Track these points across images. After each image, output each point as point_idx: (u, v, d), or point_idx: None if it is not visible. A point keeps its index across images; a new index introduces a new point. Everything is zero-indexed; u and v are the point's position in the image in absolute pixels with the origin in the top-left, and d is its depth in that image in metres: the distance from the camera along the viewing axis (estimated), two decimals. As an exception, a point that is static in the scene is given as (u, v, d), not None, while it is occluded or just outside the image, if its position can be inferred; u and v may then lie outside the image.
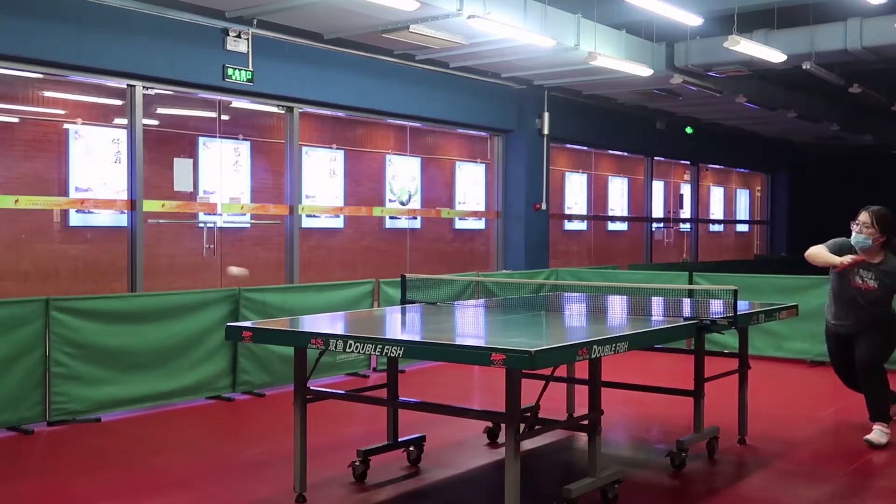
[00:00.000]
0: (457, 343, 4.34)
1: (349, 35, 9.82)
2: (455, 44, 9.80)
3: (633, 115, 15.34)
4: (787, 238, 22.11)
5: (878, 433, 5.78)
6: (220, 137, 9.63)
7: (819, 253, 5.98)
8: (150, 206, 8.71)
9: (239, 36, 8.99)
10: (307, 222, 10.70)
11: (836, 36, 10.98)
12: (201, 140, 9.54)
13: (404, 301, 5.78)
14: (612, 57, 10.75)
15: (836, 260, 5.84)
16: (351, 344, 4.07)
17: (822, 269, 6.26)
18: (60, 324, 6.27)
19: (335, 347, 4.16)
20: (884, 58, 11.53)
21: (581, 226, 15.73)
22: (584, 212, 15.53)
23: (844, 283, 5.94)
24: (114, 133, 8.71)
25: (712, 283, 9.08)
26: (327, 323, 5.22)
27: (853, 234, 5.91)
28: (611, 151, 16.33)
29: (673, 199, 18.16)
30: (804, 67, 11.43)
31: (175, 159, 9.10)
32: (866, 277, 5.86)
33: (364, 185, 11.70)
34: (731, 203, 20.96)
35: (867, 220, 5.83)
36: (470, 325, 5.24)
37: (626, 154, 16.70)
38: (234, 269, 6.83)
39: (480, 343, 4.44)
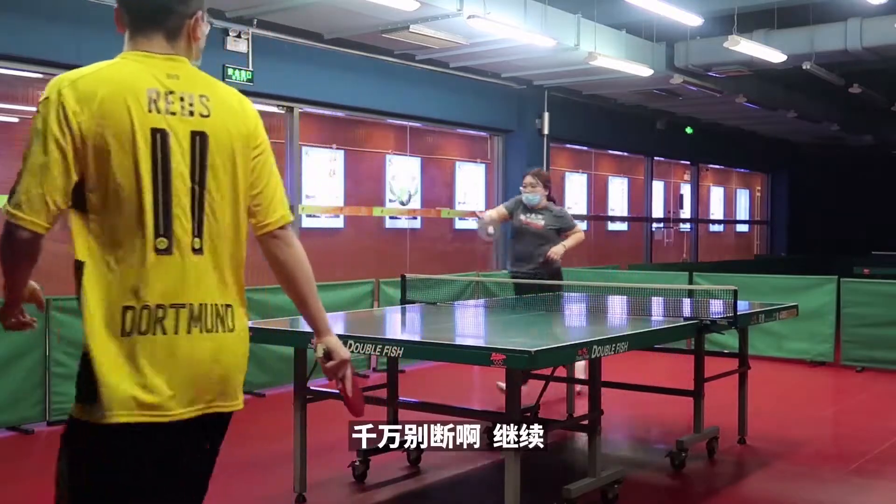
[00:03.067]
0: (457, 343, 4.34)
1: (349, 35, 9.82)
2: (455, 44, 9.81)
3: (633, 115, 15.34)
4: (787, 238, 22.12)
5: None
6: (220, 137, 9.63)
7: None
8: (150, 206, 8.70)
9: (239, 36, 8.99)
10: (307, 222, 10.70)
11: (836, 36, 10.98)
12: (201, 140, 9.54)
13: (404, 301, 5.78)
14: (612, 57, 10.75)
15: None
16: (351, 344, 4.07)
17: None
18: (60, 324, 6.27)
19: (335, 347, 4.15)
20: (884, 58, 11.53)
21: (581, 226, 15.72)
22: (584, 212, 15.52)
23: (515, 225, 6.89)
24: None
25: (712, 283, 9.07)
26: (327, 323, 5.21)
27: (524, 195, 6.83)
28: (611, 151, 16.33)
29: (673, 200, 18.16)
30: (804, 67, 11.44)
31: (175, 159, 9.09)
32: (535, 218, 6.80)
33: (364, 185, 11.69)
34: (731, 203, 20.97)
35: (533, 181, 6.81)
36: (470, 325, 5.24)
37: (626, 154, 16.70)
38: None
39: (480, 343, 4.44)
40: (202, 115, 2.13)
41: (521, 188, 6.89)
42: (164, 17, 2.20)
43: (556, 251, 6.64)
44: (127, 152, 2.05)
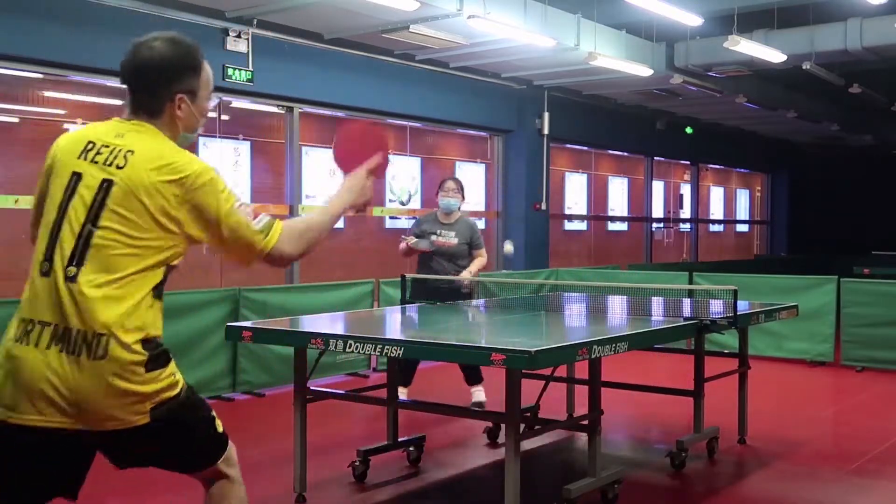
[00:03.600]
0: (457, 343, 4.34)
1: (349, 35, 9.82)
2: (455, 44, 9.81)
3: (633, 115, 15.34)
4: (787, 238, 22.13)
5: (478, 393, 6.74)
6: (220, 137, 9.63)
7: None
8: (150, 206, 8.70)
9: (239, 36, 8.99)
10: (307, 222, 10.69)
11: (836, 36, 10.98)
12: (201, 140, 9.52)
13: (404, 301, 5.78)
14: (612, 57, 10.75)
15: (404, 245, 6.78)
16: (351, 344, 4.07)
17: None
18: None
19: (335, 347, 4.16)
20: (884, 58, 11.54)
21: (581, 226, 15.73)
22: (584, 212, 15.53)
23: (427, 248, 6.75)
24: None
25: (712, 283, 9.08)
26: (327, 323, 5.22)
27: (441, 199, 6.80)
28: (611, 151, 16.33)
29: (673, 200, 18.16)
30: (804, 67, 11.44)
31: (175, 159, 9.09)
32: (448, 236, 6.72)
33: (364, 185, 11.68)
34: (731, 203, 20.97)
35: (454, 186, 6.83)
36: (470, 325, 5.24)
37: (626, 154, 16.70)
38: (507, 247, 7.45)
39: (480, 343, 4.44)
40: (118, 167, 2.41)
41: (440, 192, 6.85)
42: (131, 96, 2.63)
43: (466, 277, 6.58)
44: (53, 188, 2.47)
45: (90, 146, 2.47)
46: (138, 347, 2.33)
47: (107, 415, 2.32)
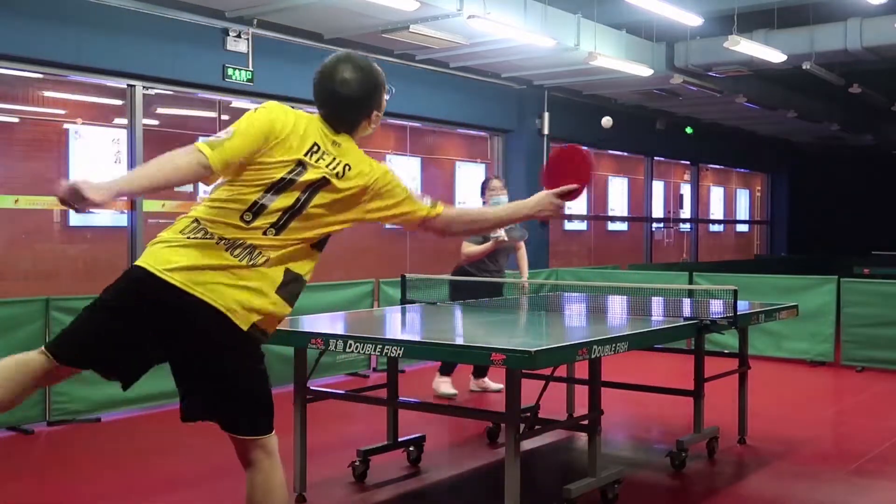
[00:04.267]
0: (457, 343, 4.34)
1: (349, 35, 9.82)
2: (455, 44, 9.81)
3: (633, 115, 15.34)
4: (787, 238, 22.13)
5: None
6: (220, 137, 9.61)
7: (472, 249, 6.87)
8: (150, 206, 8.71)
9: (239, 36, 8.99)
10: (307, 222, 10.69)
11: (836, 36, 10.98)
12: (201, 140, 9.53)
13: (404, 301, 5.78)
14: (612, 57, 10.75)
15: (488, 244, 6.84)
16: (351, 344, 4.07)
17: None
18: (60, 324, 6.26)
19: (335, 347, 4.16)
20: (884, 58, 11.54)
21: (581, 226, 15.73)
22: (584, 212, 15.53)
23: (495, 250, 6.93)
24: (114, 133, 8.71)
25: (712, 283, 9.08)
26: (327, 323, 5.21)
27: (492, 199, 6.88)
28: (611, 151, 16.33)
29: (673, 199, 18.16)
30: (804, 67, 11.44)
31: (175, 159, 9.08)
32: (510, 232, 6.89)
33: (364, 185, 11.69)
34: (731, 203, 20.97)
35: (500, 184, 7.01)
36: (470, 325, 5.24)
37: (626, 154, 16.70)
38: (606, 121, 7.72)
39: (480, 343, 4.44)
40: (337, 175, 3.02)
41: (487, 192, 6.99)
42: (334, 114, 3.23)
43: (526, 287, 7.20)
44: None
45: (315, 148, 3.00)
46: (280, 273, 2.90)
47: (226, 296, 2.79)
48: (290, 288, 2.95)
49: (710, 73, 12.43)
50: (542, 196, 3.34)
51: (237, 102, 9.73)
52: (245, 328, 2.83)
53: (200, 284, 2.78)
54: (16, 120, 8.49)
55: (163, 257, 2.82)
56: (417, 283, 6.24)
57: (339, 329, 4.90)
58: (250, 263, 2.84)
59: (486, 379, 7.36)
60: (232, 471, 5.18)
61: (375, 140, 12.00)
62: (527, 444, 5.01)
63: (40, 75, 8.21)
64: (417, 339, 4.70)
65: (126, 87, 8.51)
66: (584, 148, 3.36)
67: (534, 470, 5.13)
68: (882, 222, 20.78)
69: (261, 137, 2.89)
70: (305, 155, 2.95)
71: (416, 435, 5.38)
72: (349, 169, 3.05)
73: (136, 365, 2.92)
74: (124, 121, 8.64)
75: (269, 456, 3.00)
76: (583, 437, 5.39)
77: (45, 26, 7.60)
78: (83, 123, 8.62)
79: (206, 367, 2.86)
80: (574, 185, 3.20)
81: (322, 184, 2.95)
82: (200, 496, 4.78)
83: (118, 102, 8.74)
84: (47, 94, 8.55)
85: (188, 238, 2.84)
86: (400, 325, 5.15)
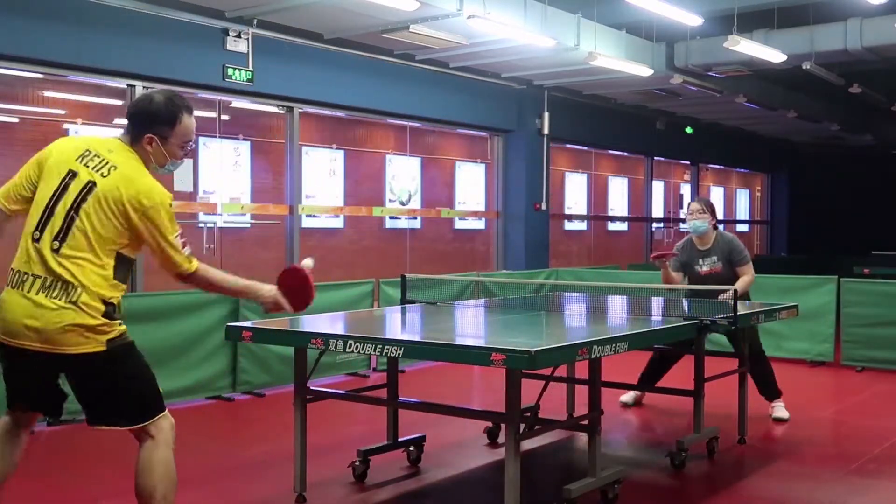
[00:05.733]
0: (457, 343, 4.34)
1: (349, 35, 9.82)
2: (455, 44, 9.80)
3: (633, 115, 15.34)
4: (787, 238, 22.12)
5: (780, 409, 6.52)
6: (220, 137, 9.63)
7: (668, 277, 6.38)
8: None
9: (239, 36, 8.99)
10: (307, 222, 10.70)
11: (836, 36, 10.97)
12: (201, 140, 9.53)
13: (404, 301, 5.78)
14: (612, 57, 10.75)
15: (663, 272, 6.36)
16: (351, 344, 4.08)
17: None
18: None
19: (335, 347, 4.16)
20: (884, 58, 11.53)
21: (581, 226, 15.73)
22: (584, 212, 15.53)
23: (693, 277, 6.39)
24: (114, 133, 8.68)
25: (712, 283, 9.06)
26: (327, 323, 5.21)
27: (689, 223, 6.41)
28: (611, 151, 16.33)
29: (673, 199, 18.16)
30: (804, 67, 11.43)
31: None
32: (708, 263, 6.33)
33: (364, 185, 11.70)
34: (731, 203, 20.97)
35: (699, 207, 6.36)
36: (470, 325, 5.24)
37: (626, 154, 16.70)
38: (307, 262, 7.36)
39: (480, 343, 4.44)
40: (102, 175, 3.26)
41: (686, 216, 6.48)
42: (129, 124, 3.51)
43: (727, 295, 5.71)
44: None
45: (87, 153, 3.32)
46: (98, 303, 3.18)
47: (71, 341, 3.17)
48: None
49: (710, 73, 12.43)
50: (276, 297, 3.70)
51: (237, 102, 9.74)
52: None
53: None
54: (16, 120, 8.49)
55: None
56: (417, 283, 6.24)
57: (339, 329, 4.91)
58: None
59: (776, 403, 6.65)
60: (232, 471, 5.19)
61: (376, 140, 12.01)
62: (527, 444, 5.01)
63: (40, 75, 8.20)
64: (417, 339, 4.70)
65: (126, 87, 8.51)
66: (312, 283, 3.79)
67: (534, 470, 5.13)
68: (882, 222, 20.76)
69: None
70: (77, 160, 3.32)
71: (416, 435, 5.38)
72: (115, 169, 3.28)
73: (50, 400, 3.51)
74: (124, 121, 8.63)
75: (152, 437, 3.38)
76: (583, 437, 5.39)
77: (45, 26, 7.60)
78: (83, 123, 8.62)
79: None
80: (289, 307, 3.70)
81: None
82: (200, 496, 4.78)
83: (118, 102, 8.74)
84: (47, 94, 8.54)
85: None
86: (400, 325, 5.15)
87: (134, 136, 3.41)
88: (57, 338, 3.15)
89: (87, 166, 3.27)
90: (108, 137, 3.44)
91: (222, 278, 3.56)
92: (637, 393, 6.89)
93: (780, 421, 6.44)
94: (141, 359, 3.43)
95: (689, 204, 6.56)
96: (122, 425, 3.40)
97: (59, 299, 3.13)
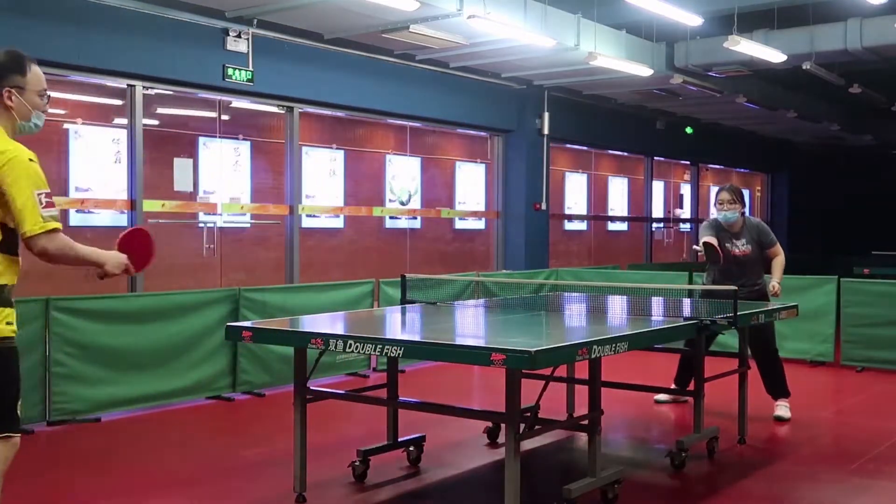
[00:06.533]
0: (457, 343, 4.34)
1: (349, 35, 9.82)
2: (455, 44, 9.81)
3: (633, 115, 15.34)
4: (787, 238, 22.10)
5: (783, 408, 6.54)
6: (220, 137, 9.63)
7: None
8: (150, 205, 8.71)
9: (239, 36, 8.99)
10: (307, 222, 10.70)
11: (836, 36, 10.98)
12: (201, 140, 9.54)
13: (404, 301, 5.78)
14: (612, 57, 10.75)
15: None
16: (351, 344, 4.07)
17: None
18: (60, 324, 6.27)
19: (335, 347, 4.16)
20: (884, 58, 11.53)
21: (581, 226, 15.73)
22: (584, 212, 15.53)
23: (727, 255, 6.44)
24: (114, 133, 8.71)
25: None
26: (327, 323, 5.22)
27: (719, 213, 6.52)
28: (611, 151, 16.33)
29: (673, 199, 18.16)
30: (804, 67, 11.43)
31: (175, 159, 9.10)
32: (739, 245, 6.47)
33: (364, 185, 11.70)
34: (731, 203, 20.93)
35: (729, 197, 6.47)
36: (470, 325, 5.24)
37: (626, 154, 16.70)
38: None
39: (480, 343, 4.44)
40: None
41: (716, 205, 6.55)
42: None
43: (776, 290, 6.40)
44: None
45: None
46: None
47: None
48: None
49: (710, 73, 12.43)
50: (116, 258, 3.52)
51: (237, 102, 9.74)
52: None
53: None
54: (16, 120, 8.48)
55: None
56: (417, 283, 6.24)
57: (339, 329, 4.91)
58: None
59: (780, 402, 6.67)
60: (232, 471, 5.19)
61: (376, 140, 12.01)
62: (527, 444, 5.01)
63: (40, 75, 8.19)
64: (417, 339, 4.70)
65: (126, 87, 8.51)
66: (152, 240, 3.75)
67: (534, 470, 5.13)
68: (882, 222, 20.77)
69: None
70: None
71: (416, 435, 5.38)
72: None
73: None
74: (124, 121, 8.65)
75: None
76: (583, 437, 5.39)
77: (45, 26, 7.60)
78: (83, 123, 8.62)
79: None
80: (132, 270, 3.59)
81: None
82: (200, 496, 4.78)
83: (118, 102, 8.74)
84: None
85: None
86: (400, 325, 5.15)
87: None
88: None
89: None
90: None
91: (79, 247, 3.38)
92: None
93: (780, 421, 6.44)
94: (10, 368, 3.44)
95: (717, 192, 6.59)
96: None
97: None
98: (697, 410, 5.47)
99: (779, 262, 6.57)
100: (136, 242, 3.68)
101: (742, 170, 21.38)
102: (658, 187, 17.60)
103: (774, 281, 6.45)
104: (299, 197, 10.28)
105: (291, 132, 10.11)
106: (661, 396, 6.99)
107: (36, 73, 3.37)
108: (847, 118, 17.45)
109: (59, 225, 3.23)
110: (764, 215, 22.36)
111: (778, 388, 6.61)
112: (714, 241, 6.27)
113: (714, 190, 19.79)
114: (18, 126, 3.34)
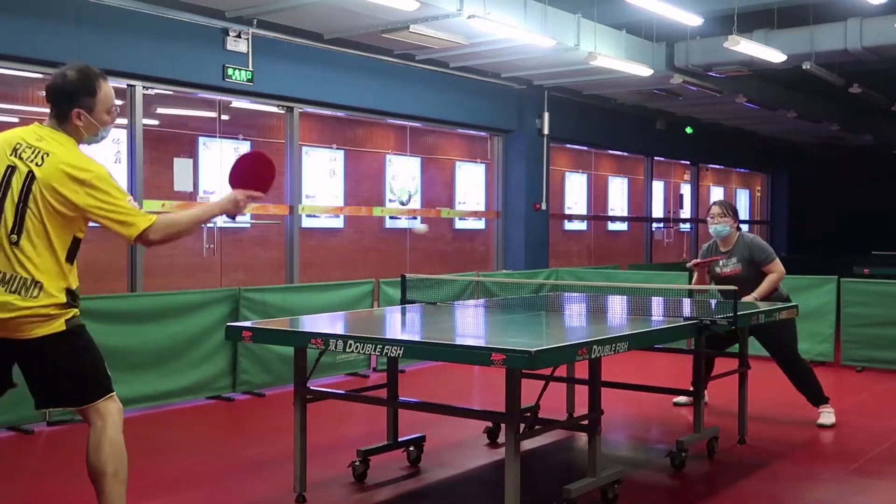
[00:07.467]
0: (457, 343, 4.34)
1: (349, 35, 9.82)
2: (455, 44, 9.80)
3: (633, 115, 15.34)
4: (787, 238, 22.12)
5: (826, 415, 6.41)
6: (220, 137, 9.63)
7: (702, 282, 6.42)
8: (150, 205, 8.71)
9: (239, 36, 8.99)
10: (307, 222, 10.70)
11: (836, 36, 10.98)
12: (201, 140, 9.54)
13: (404, 301, 5.78)
14: (612, 57, 10.75)
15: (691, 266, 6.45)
16: (351, 344, 4.07)
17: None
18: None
19: (335, 347, 4.16)
20: (884, 58, 11.53)
21: (581, 226, 15.74)
22: (584, 212, 15.53)
23: (716, 278, 6.39)
24: (114, 133, 8.69)
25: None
26: (327, 323, 5.22)
27: (710, 227, 6.44)
28: (611, 151, 16.33)
29: (673, 199, 18.16)
30: (804, 67, 11.43)
31: (175, 159, 9.10)
32: (729, 265, 6.35)
33: (364, 185, 11.70)
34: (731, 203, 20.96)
35: (720, 211, 6.41)
36: (470, 325, 5.24)
37: (626, 154, 16.71)
38: (420, 228, 7.03)
39: (480, 343, 4.44)
40: (37, 165, 3.33)
41: (707, 219, 6.48)
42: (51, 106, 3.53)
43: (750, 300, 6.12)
44: None
45: (19, 146, 3.37)
46: (61, 293, 3.33)
47: (29, 329, 3.29)
48: None
49: (710, 73, 12.43)
50: (235, 195, 3.66)
51: (237, 102, 9.74)
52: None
53: None
54: (16, 120, 8.49)
55: None
56: (417, 283, 6.24)
57: (339, 329, 4.91)
58: None
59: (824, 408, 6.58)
60: (232, 471, 5.19)
61: (376, 140, 12.01)
62: (527, 444, 5.02)
63: (40, 75, 8.20)
64: (417, 339, 4.70)
65: (126, 87, 8.51)
66: (269, 158, 3.77)
67: (534, 470, 5.13)
68: (882, 222, 20.77)
69: None
70: (11, 155, 3.36)
71: (416, 435, 5.38)
72: (48, 156, 3.35)
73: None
74: (124, 121, 8.64)
75: (102, 417, 3.47)
76: (583, 437, 5.39)
77: (45, 26, 7.60)
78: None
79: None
80: (260, 193, 3.67)
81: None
82: (200, 496, 4.78)
83: (118, 102, 8.72)
84: (47, 94, 8.53)
85: None
86: (400, 325, 5.15)
87: (60, 117, 3.46)
88: (15, 326, 3.29)
89: (22, 158, 3.33)
90: (34, 126, 3.49)
91: (181, 216, 3.56)
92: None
93: (823, 427, 6.29)
94: (91, 341, 3.53)
95: (709, 207, 6.51)
96: (74, 405, 3.54)
97: (19, 293, 3.25)
98: (697, 410, 5.48)
99: (769, 278, 6.29)
100: (246, 170, 3.68)
101: (742, 170, 21.38)
102: (658, 187, 17.60)
103: (753, 294, 6.18)
104: (299, 197, 10.28)
105: (291, 132, 10.11)
106: (681, 399, 6.86)
107: (106, 91, 3.53)
108: (847, 118, 17.44)
109: (154, 218, 3.43)
110: (764, 215, 22.37)
111: (813, 396, 6.46)
112: (699, 261, 6.35)
113: (714, 190, 19.89)
114: (86, 140, 3.51)
